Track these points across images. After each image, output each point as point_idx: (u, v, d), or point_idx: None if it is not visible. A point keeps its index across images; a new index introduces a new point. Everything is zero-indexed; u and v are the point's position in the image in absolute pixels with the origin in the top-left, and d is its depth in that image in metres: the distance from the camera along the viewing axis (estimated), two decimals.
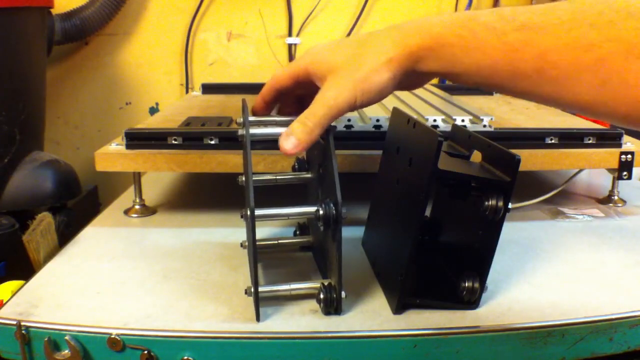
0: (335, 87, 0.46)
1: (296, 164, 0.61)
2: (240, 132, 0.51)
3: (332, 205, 0.48)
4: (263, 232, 0.67)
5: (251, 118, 0.53)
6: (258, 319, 0.48)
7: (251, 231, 0.47)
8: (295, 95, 0.54)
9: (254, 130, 0.52)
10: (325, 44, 0.50)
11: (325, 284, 0.50)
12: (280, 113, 0.57)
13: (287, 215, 0.53)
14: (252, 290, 0.48)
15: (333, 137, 0.50)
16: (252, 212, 0.46)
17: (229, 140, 0.68)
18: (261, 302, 0.49)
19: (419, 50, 0.44)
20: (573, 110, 0.42)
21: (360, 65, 0.46)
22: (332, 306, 0.49)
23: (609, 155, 0.71)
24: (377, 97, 0.47)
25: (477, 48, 0.41)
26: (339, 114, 0.47)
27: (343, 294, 0.49)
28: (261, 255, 0.61)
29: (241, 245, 0.60)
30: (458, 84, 0.46)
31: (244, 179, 0.57)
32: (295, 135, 0.47)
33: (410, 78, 0.46)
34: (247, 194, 0.47)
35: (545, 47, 0.38)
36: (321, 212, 0.48)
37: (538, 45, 0.38)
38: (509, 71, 0.40)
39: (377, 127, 0.70)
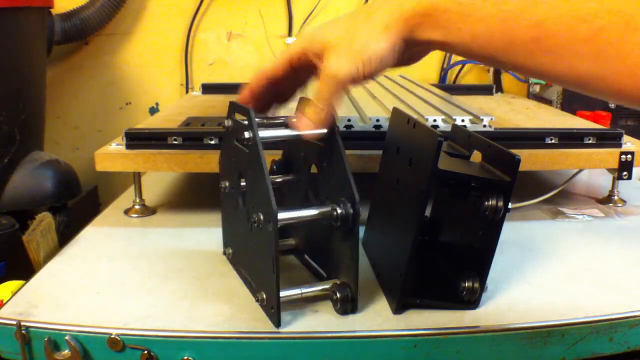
0: (335, 62, 0.46)
1: (274, 166, 0.60)
2: (248, 134, 0.49)
3: (348, 203, 0.48)
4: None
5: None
6: (279, 324, 0.48)
7: (274, 237, 0.46)
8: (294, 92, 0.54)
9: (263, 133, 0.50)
10: (319, 25, 0.49)
11: (338, 283, 0.50)
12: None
13: (305, 218, 0.51)
14: (274, 296, 0.47)
15: (340, 136, 0.50)
16: (276, 216, 0.45)
17: None
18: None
19: (415, 17, 0.43)
20: (567, 85, 0.41)
21: (357, 36, 0.45)
22: (348, 305, 0.49)
23: (609, 155, 0.71)
24: (379, 67, 0.46)
25: (473, 15, 0.41)
26: (344, 87, 0.47)
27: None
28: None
29: (225, 253, 0.60)
30: (455, 54, 0.45)
31: (227, 184, 0.57)
32: (307, 116, 0.49)
33: (409, 48, 0.46)
34: (269, 198, 0.46)
35: (543, 16, 0.38)
36: (339, 210, 0.48)
37: (535, 14, 0.38)
38: (505, 40, 0.40)
39: (377, 127, 0.70)
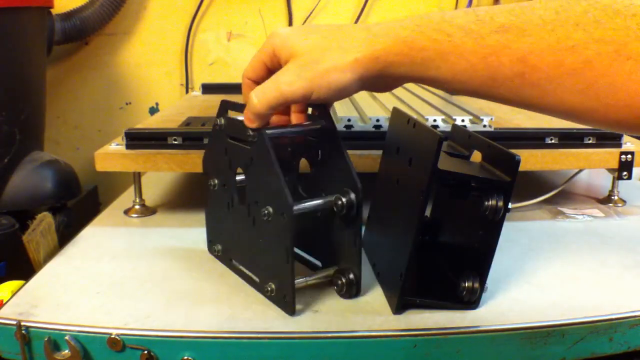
0: (293, 74, 0.44)
1: None
2: (252, 131, 0.49)
3: (352, 192, 0.49)
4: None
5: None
6: (294, 312, 0.49)
7: (290, 228, 0.47)
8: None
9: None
10: (294, 27, 0.48)
11: (340, 268, 0.52)
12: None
13: (315, 208, 0.51)
14: (289, 285, 0.48)
15: (339, 134, 0.51)
16: (291, 208, 0.47)
17: None
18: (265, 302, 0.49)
19: (386, 55, 0.42)
20: (558, 117, 0.39)
21: (323, 58, 0.43)
22: (353, 288, 0.51)
23: (609, 155, 0.71)
24: (336, 96, 0.45)
25: (453, 52, 0.39)
26: (291, 102, 0.46)
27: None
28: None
29: (212, 251, 0.61)
30: (434, 87, 0.43)
31: (216, 181, 0.57)
32: (248, 109, 0.48)
33: (380, 80, 0.44)
34: (283, 192, 0.46)
35: (527, 50, 0.36)
36: (344, 199, 0.50)
37: (518, 48, 0.36)
38: (488, 76, 0.38)
39: (377, 127, 0.70)
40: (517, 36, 0.36)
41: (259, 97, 0.46)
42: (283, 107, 0.48)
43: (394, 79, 0.44)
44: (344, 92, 0.45)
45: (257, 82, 0.50)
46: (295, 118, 0.52)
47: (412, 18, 0.42)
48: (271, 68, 0.49)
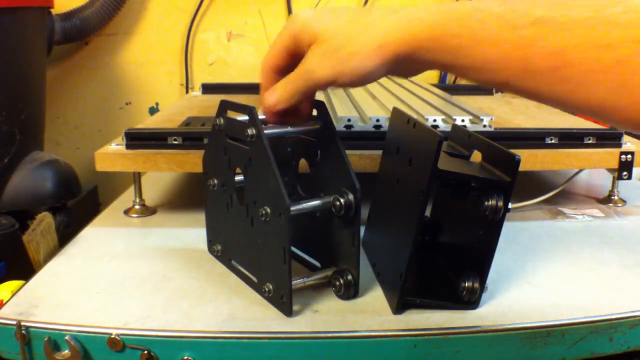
0: (317, 60, 0.44)
1: None
2: (251, 131, 0.49)
3: (350, 193, 0.49)
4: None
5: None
6: (291, 313, 0.49)
7: (287, 229, 0.47)
8: None
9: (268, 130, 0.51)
10: (313, 10, 0.47)
11: (339, 269, 0.52)
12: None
13: (312, 209, 0.52)
14: (286, 286, 0.48)
15: (338, 134, 0.51)
16: (288, 209, 0.47)
17: None
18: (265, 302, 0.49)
19: (415, 40, 0.41)
20: (583, 113, 0.39)
21: (350, 42, 0.43)
22: (351, 289, 0.51)
23: (609, 155, 0.71)
24: (361, 81, 0.44)
25: (486, 40, 0.38)
26: (317, 88, 0.46)
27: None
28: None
29: (212, 251, 0.61)
30: (461, 77, 0.44)
31: (216, 181, 0.57)
32: (277, 93, 0.47)
33: (405, 65, 0.44)
34: (280, 192, 0.46)
35: (563, 44, 0.36)
36: (342, 200, 0.50)
37: (555, 42, 0.36)
38: (521, 67, 0.38)
39: (377, 127, 0.70)
40: (554, 30, 0.36)
41: (289, 85, 0.46)
42: (310, 94, 0.48)
43: (421, 64, 0.43)
44: (369, 78, 0.44)
45: (279, 70, 0.49)
46: (303, 107, 0.51)
47: (441, 6, 0.41)
48: (294, 54, 0.47)
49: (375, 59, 0.42)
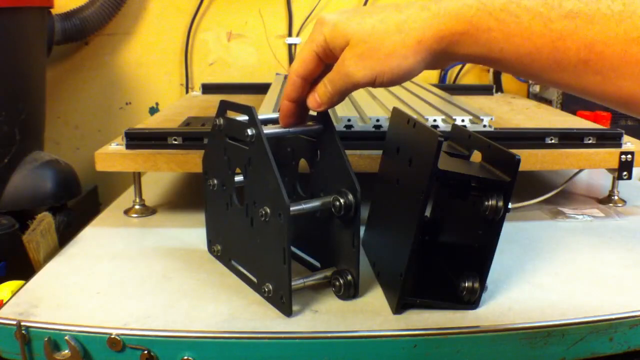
0: (355, 63, 0.44)
1: None
2: (251, 131, 0.49)
3: (350, 193, 0.49)
4: None
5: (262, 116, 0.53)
6: (291, 313, 0.49)
7: (286, 229, 0.47)
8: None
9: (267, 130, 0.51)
10: (342, 11, 0.46)
11: (338, 269, 0.52)
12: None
13: (312, 209, 0.52)
14: (286, 286, 0.48)
15: (338, 135, 0.51)
16: (288, 209, 0.47)
17: None
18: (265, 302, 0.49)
19: (451, 35, 0.41)
20: (611, 105, 0.40)
21: (384, 44, 0.43)
22: (351, 289, 0.51)
23: (609, 155, 0.71)
24: (400, 80, 0.44)
25: (519, 34, 0.39)
26: (356, 88, 0.46)
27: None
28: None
29: (213, 250, 0.61)
30: (494, 68, 0.44)
31: (216, 181, 0.57)
32: (318, 94, 0.48)
33: (440, 59, 0.44)
34: (280, 192, 0.46)
35: (594, 38, 0.37)
36: (342, 200, 0.50)
37: (586, 36, 0.37)
38: (552, 60, 0.39)
39: (377, 127, 0.70)
40: (585, 23, 0.37)
41: (329, 86, 0.47)
42: (347, 95, 0.48)
43: (455, 58, 0.44)
44: (409, 76, 0.44)
45: (310, 79, 0.49)
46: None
47: None
48: (325, 60, 0.47)
49: (414, 56, 0.43)
